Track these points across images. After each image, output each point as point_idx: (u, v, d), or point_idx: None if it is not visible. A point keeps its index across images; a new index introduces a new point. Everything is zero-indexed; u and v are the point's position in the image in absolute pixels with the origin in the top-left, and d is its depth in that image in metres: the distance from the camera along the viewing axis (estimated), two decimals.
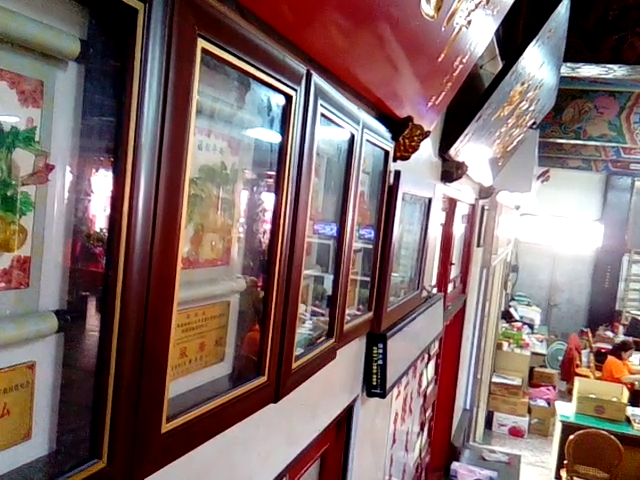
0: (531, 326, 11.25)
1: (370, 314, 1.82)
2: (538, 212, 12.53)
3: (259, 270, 1.04)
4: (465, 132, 2.91)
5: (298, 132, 1.03)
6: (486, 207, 5.40)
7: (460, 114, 2.96)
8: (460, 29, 1.86)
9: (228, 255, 0.98)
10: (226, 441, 1.04)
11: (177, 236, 0.75)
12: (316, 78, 1.12)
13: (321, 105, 1.14)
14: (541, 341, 10.87)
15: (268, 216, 1.02)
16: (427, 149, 2.64)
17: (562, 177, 12.14)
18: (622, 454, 6.48)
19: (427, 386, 3.65)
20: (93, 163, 0.68)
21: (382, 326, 1.97)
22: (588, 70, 5.02)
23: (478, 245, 5.36)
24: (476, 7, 1.89)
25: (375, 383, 1.98)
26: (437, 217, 3.02)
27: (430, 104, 2.03)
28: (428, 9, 1.53)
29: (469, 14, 1.87)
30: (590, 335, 11.37)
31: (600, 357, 10.32)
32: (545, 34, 2.89)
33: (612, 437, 6.58)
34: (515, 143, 4.74)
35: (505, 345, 9.23)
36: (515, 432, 8.53)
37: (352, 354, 1.84)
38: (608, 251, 12.65)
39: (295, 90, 1.03)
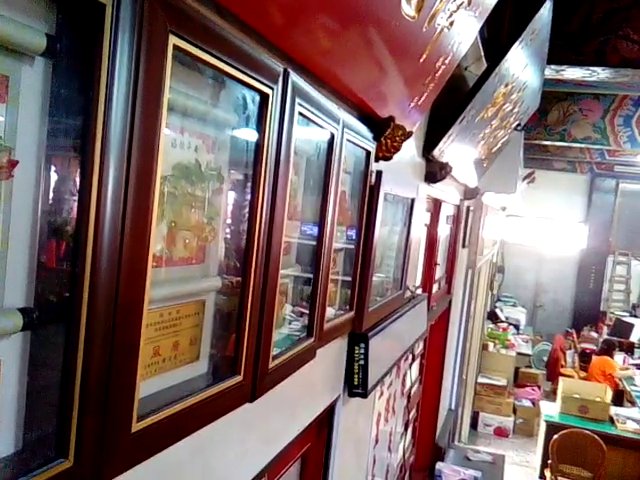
0: (517, 327, 11.33)
1: (352, 314, 1.82)
2: (524, 213, 12.62)
3: (235, 269, 1.03)
4: (449, 133, 2.92)
5: (275, 131, 1.03)
6: (471, 208, 5.43)
7: (444, 115, 2.97)
8: (442, 30, 1.87)
9: (203, 253, 0.98)
10: (201, 440, 1.03)
11: (148, 234, 0.75)
12: (294, 77, 1.11)
13: (299, 104, 1.14)
14: (526, 341, 10.95)
15: (244, 215, 1.02)
16: (411, 149, 2.65)
17: (548, 179, 12.25)
18: (605, 454, 6.53)
19: (411, 386, 3.66)
20: (60, 159, 0.67)
21: (364, 326, 1.97)
22: (572, 72, 5.07)
23: (463, 246, 5.38)
24: (458, 8, 1.90)
25: (357, 383, 1.98)
26: (421, 217, 3.03)
27: (413, 105, 2.03)
28: (409, 10, 1.54)
29: (451, 15, 1.88)
30: (575, 336, 11.47)
31: (585, 357, 10.42)
32: (528, 36, 2.91)
33: (595, 437, 6.64)
34: (500, 144, 4.77)
35: (491, 345, 9.29)
36: (500, 432, 8.58)
37: (333, 353, 1.84)
38: (593, 252, 12.77)
39: (272, 89, 1.03)
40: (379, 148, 1.92)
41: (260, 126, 1.00)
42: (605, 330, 11.92)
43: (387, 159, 1.99)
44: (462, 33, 2.09)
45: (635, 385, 8.91)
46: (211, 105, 0.94)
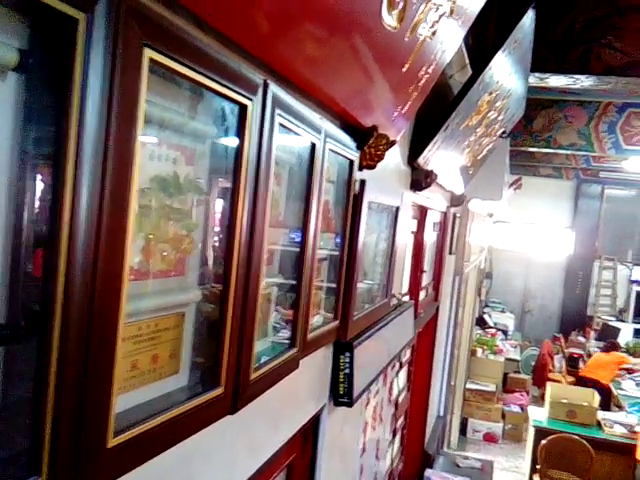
0: (505, 332, 11.38)
1: (336, 322, 1.82)
2: (511, 219, 12.71)
3: (215, 280, 1.03)
4: (433, 141, 2.94)
5: (255, 142, 1.03)
6: (458, 215, 5.45)
7: (429, 123, 2.99)
8: (424, 40, 1.88)
9: (182, 265, 0.97)
10: (184, 453, 1.02)
11: (124, 247, 0.74)
12: (274, 88, 1.12)
13: (279, 115, 1.14)
14: (515, 347, 11.00)
15: (224, 226, 1.01)
16: (395, 158, 2.66)
17: (534, 185, 12.36)
18: (593, 458, 6.56)
19: (399, 394, 3.66)
20: (34, 172, 0.67)
21: (349, 334, 1.97)
22: (556, 80, 5.13)
23: (450, 253, 5.41)
24: (440, 18, 1.91)
25: (342, 392, 1.98)
26: (406, 225, 3.04)
27: (396, 113, 2.05)
28: (390, 20, 1.55)
29: (433, 25, 1.89)
30: (563, 340, 11.54)
31: (572, 362, 10.48)
32: (511, 45, 2.94)
33: (583, 442, 6.67)
34: (485, 152, 4.80)
35: (479, 351, 9.31)
36: (489, 438, 8.60)
37: (318, 363, 1.83)
38: (579, 258, 12.88)
39: (251, 100, 1.03)
40: (363, 157, 1.93)
41: (239, 137, 1.00)
42: (592, 335, 12.00)
43: (371, 168, 2.00)
44: (445, 42, 2.11)
45: (622, 389, 8.98)
46: (189, 117, 0.94)
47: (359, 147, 1.84)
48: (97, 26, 0.66)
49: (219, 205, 1.00)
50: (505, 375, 9.76)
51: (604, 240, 12.91)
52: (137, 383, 0.90)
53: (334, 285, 1.81)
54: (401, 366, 3.68)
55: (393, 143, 2.08)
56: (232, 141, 1.00)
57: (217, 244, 1.02)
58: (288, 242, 1.38)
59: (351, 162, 1.76)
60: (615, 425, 7.38)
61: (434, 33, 1.92)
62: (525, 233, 13.21)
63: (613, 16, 4.63)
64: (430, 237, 4.40)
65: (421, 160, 3.00)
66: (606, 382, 8.37)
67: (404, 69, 1.86)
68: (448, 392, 6.38)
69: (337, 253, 1.78)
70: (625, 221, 12.74)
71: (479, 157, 4.71)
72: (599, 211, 12.82)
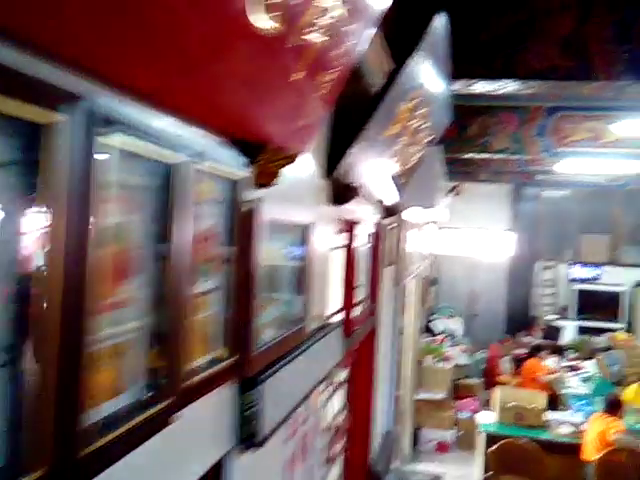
0: (454, 337, 11.40)
1: (235, 358, 1.64)
2: (455, 225, 12.83)
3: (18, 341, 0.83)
4: (351, 152, 2.81)
5: (66, 167, 0.84)
6: (393, 225, 5.37)
7: (346, 134, 2.86)
8: (317, 45, 1.74)
9: None
10: None
11: None
12: (102, 100, 0.94)
13: (103, 133, 0.96)
14: (464, 352, 11.02)
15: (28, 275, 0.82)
16: (309, 171, 2.51)
17: (474, 190, 12.52)
18: (544, 460, 6.56)
19: (335, 417, 3.50)
20: None
21: (254, 369, 1.79)
22: (482, 86, 5.12)
23: (387, 264, 5.31)
24: (334, 21, 1.77)
25: (250, 432, 1.79)
26: (327, 241, 2.89)
27: (297, 126, 1.89)
28: (263, 22, 1.39)
29: (327, 30, 1.75)
30: (510, 342, 11.66)
31: (519, 363, 10.56)
32: (425, 51, 2.85)
33: (532, 444, 6.66)
34: (416, 160, 4.73)
35: (427, 360, 9.27)
36: (442, 447, 8.54)
37: (216, 404, 1.64)
38: (521, 259, 13.11)
39: (64, 116, 0.84)
40: (258, 174, 1.76)
41: (41, 162, 0.81)
42: (539, 334, 12.19)
43: (268, 185, 1.83)
44: (347, 48, 1.97)
45: (567, 387, 9.08)
46: None
47: (250, 164, 1.67)
48: None
49: (18, 246, 0.81)
50: (455, 381, 9.75)
51: (544, 241, 13.19)
52: None
53: (230, 316, 1.63)
54: (337, 387, 3.52)
55: (294, 158, 1.93)
56: (30, 167, 0.80)
57: (20, 296, 0.82)
58: (148, 278, 1.19)
59: (239, 180, 1.59)
60: (562, 425, 7.42)
61: (330, 37, 1.78)
62: (468, 238, 13.36)
63: (534, 20, 4.65)
64: (363, 250, 4.27)
65: (340, 172, 2.86)
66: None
67: (294, 77, 1.70)
68: (395, 404, 6.26)
69: (228, 281, 1.60)
70: (563, 221, 13.05)
71: (409, 166, 4.62)
72: (537, 213, 13.10)
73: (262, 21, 1.37)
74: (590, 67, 4.62)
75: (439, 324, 11.30)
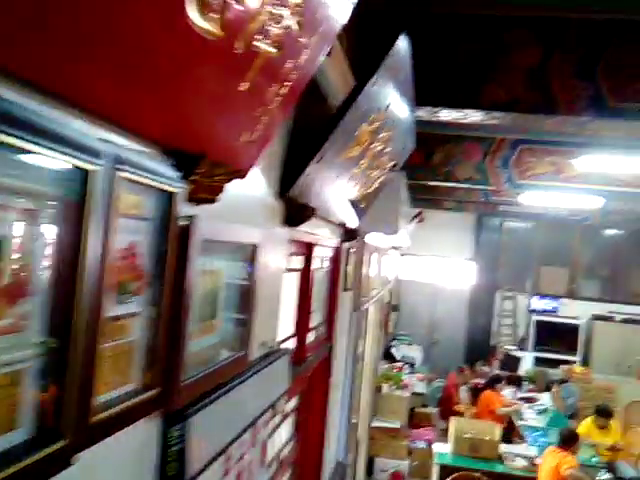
0: (412, 365, 11.33)
1: (157, 390, 1.48)
2: (417, 252, 12.85)
3: None
4: (306, 173, 2.70)
5: None
6: (352, 249, 5.27)
7: (303, 153, 2.75)
8: (266, 55, 1.63)
9: None
10: None
11: None
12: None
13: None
14: (422, 380, 10.94)
15: None
16: (260, 189, 2.39)
17: (438, 218, 12.60)
18: None
19: (281, 449, 3.33)
20: None
21: (182, 401, 1.64)
22: (447, 114, 5.11)
23: (346, 289, 5.19)
24: (284, 31, 1.67)
25: (174, 472, 1.63)
26: (278, 264, 2.76)
27: (241, 140, 1.77)
28: (204, 23, 1.27)
29: (277, 40, 1.64)
30: (468, 371, 11.63)
31: (477, 392, 10.52)
32: (385, 72, 2.78)
33: (486, 477, 6.58)
34: (377, 185, 4.65)
35: (385, 387, 9.15)
36: (397, 477, 8.37)
37: (134, 442, 1.48)
38: (482, 289, 13.19)
39: None
40: (195, 189, 1.63)
41: None
42: (496, 364, 12.21)
43: (208, 201, 1.70)
44: (300, 62, 1.87)
45: (523, 419, 9.07)
46: None
47: (186, 177, 1.54)
48: None
49: None
50: (412, 410, 9.64)
51: (504, 271, 13.31)
52: None
53: (156, 342, 1.48)
54: (284, 417, 3.35)
55: (237, 174, 1.80)
56: None
57: None
58: (49, 298, 1.05)
59: (171, 195, 1.45)
60: (517, 458, 7.37)
61: (280, 48, 1.67)
62: (430, 265, 13.40)
63: (500, 51, 4.67)
64: (320, 274, 4.15)
65: (295, 192, 2.75)
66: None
67: (241, 87, 1.59)
68: (349, 433, 6.10)
69: (155, 305, 1.45)
70: (523, 252, 13.21)
71: (370, 190, 4.55)
72: (499, 243, 13.24)
73: (200, 22, 1.25)
74: (552, 101, 4.65)
75: (398, 351, 11.21)
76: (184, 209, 1.57)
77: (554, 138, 7.45)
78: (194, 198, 1.63)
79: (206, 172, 1.60)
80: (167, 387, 1.53)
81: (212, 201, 1.71)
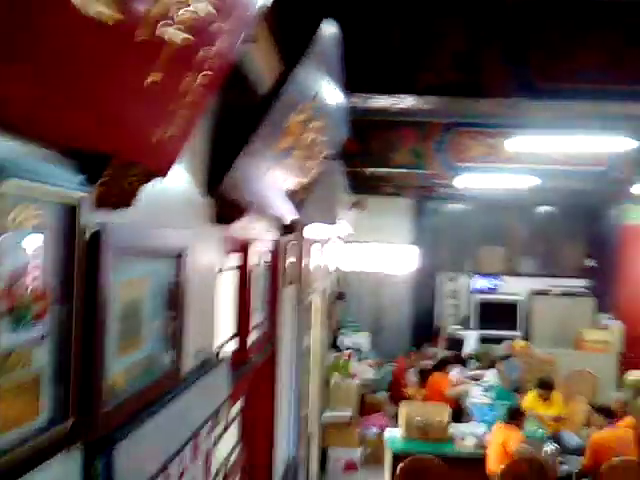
0: (360, 352, 11.35)
1: (70, 421, 1.32)
2: (360, 239, 12.88)
3: None
4: (236, 166, 2.55)
5: None
6: (293, 242, 5.15)
7: (231, 146, 2.60)
8: (177, 43, 1.47)
9: None
10: None
11: None
12: None
13: None
14: (371, 366, 10.98)
15: None
16: (184, 188, 2.23)
17: (379, 204, 12.65)
18: (447, 476, 6.54)
19: (227, 457, 3.20)
20: None
21: (104, 429, 1.48)
22: (380, 100, 5.05)
23: (289, 283, 5.08)
24: (199, 17, 1.52)
25: None
26: (210, 265, 2.61)
27: (154, 137, 1.61)
28: (98, 7, 1.11)
29: (189, 26, 1.49)
30: (415, 354, 11.77)
31: (425, 375, 10.64)
32: (312, 60, 2.66)
33: (437, 460, 6.64)
34: (314, 175, 4.54)
35: (335, 377, 9.12)
36: (350, 466, 8.38)
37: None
38: (424, 272, 13.37)
39: None
40: (105, 193, 1.47)
41: None
42: (443, 345, 12.40)
43: (122, 206, 1.54)
44: (218, 50, 1.72)
45: (471, 397, 9.21)
46: None
47: (92, 180, 1.38)
48: None
49: None
50: (362, 397, 9.66)
51: (445, 253, 13.53)
52: None
53: (66, 369, 1.32)
54: (229, 423, 3.22)
55: (155, 173, 1.65)
56: None
57: None
58: None
59: (73, 203, 1.29)
60: (467, 437, 7.47)
61: (193, 37, 1.52)
62: (374, 252, 13.48)
63: (430, 36, 4.64)
64: (259, 271, 4.01)
65: (224, 189, 2.60)
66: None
67: (149, 79, 1.43)
68: (301, 428, 6.02)
69: (62, 327, 1.29)
70: (463, 234, 13.45)
71: (307, 181, 4.43)
72: (438, 226, 13.43)
73: (89, 5, 1.09)
74: (483, 84, 4.66)
75: (346, 339, 11.21)
76: (94, 217, 1.41)
77: (488, 121, 7.55)
78: (105, 203, 1.46)
79: (116, 174, 1.45)
80: (84, 416, 1.38)
81: (127, 205, 1.55)
